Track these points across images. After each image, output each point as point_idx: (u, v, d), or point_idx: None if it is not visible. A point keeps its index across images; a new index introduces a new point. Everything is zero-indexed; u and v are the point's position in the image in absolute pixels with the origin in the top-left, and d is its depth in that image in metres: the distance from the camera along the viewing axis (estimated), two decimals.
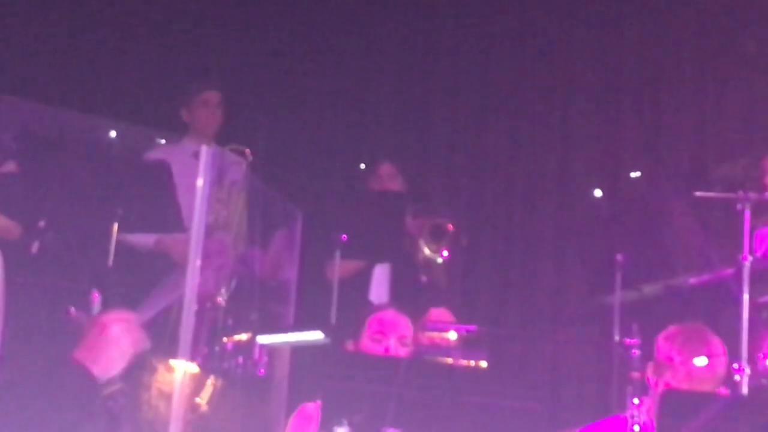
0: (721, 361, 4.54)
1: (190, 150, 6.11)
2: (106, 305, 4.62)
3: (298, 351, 5.40)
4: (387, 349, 4.81)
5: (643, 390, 4.33)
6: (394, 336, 4.85)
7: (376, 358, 4.59)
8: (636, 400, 4.18)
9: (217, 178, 5.47)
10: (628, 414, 4.18)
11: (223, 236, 5.52)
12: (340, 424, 3.88)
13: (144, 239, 5.86)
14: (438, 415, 4.00)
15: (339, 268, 5.93)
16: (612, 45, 7.40)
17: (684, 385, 4.48)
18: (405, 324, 4.96)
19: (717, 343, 4.57)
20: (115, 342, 2.83)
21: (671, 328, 4.60)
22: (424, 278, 6.20)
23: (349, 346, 4.90)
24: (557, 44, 7.48)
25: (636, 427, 4.12)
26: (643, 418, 4.16)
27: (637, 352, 4.39)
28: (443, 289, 6.29)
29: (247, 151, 5.81)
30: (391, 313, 4.95)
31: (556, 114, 7.42)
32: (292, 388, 5.34)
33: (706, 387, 4.46)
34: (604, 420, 4.69)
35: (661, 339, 4.61)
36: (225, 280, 5.30)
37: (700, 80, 7.17)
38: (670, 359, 4.53)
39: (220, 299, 5.14)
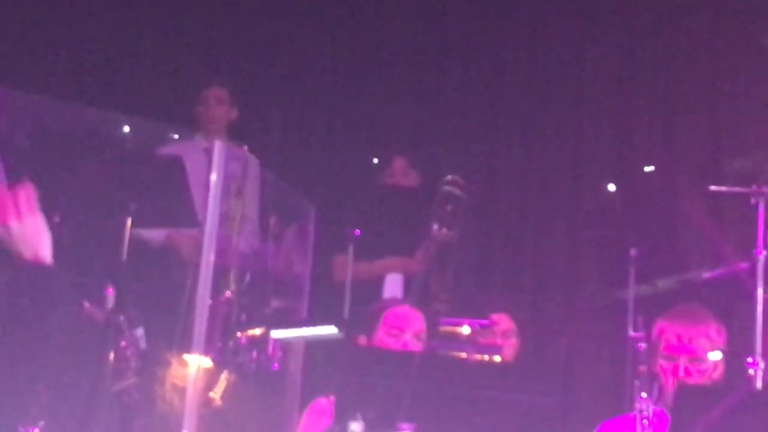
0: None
1: (202, 146, 6.14)
2: (120, 300, 4.64)
3: (312, 346, 5.40)
4: (405, 345, 4.82)
5: (651, 383, 4.33)
6: (410, 331, 4.86)
7: (390, 353, 4.60)
8: (644, 394, 4.17)
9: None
10: (636, 409, 4.18)
11: (223, 232, 5.52)
12: (354, 418, 3.88)
13: (154, 235, 5.87)
14: (452, 410, 4.00)
15: (355, 270, 5.96)
16: (626, 38, 7.38)
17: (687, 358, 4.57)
18: (419, 319, 4.97)
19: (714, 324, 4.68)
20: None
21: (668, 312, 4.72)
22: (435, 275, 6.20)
23: (362, 340, 4.90)
24: (571, 38, 7.46)
25: (645, 422, 4.12)
26: (652, 410, 4.16)
27: (643, 345, 4.39)
28: (454, 284, 6.29)
29: (245, 147, 5.82)
30: (406, 309, 4.96)
31: (570, 108, 7.40)
32: (306, 382, 5.35)
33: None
34: (614, 419, 4.69)
35: (659, 321, 4.70)
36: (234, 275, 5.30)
37: (714, 74, 7.15)
38: (678, 337, 4.60)
39: (229, 294, 5.14)
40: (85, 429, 4.06)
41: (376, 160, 6.89)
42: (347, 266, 6.03)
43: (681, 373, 4.63)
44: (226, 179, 5.37)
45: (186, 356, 4.60)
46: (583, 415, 6.18)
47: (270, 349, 5.06)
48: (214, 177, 4.61)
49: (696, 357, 4.67)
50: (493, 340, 5.33)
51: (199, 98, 6.67)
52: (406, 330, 4.87)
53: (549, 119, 7.44)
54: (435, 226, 6.00)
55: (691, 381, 4.62)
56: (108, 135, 5.00)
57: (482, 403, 4.02)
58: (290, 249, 5.96)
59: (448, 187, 6.09)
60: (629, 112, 7.28)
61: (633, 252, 5.74)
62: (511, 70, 7.59)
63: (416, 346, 4.81)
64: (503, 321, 5.63)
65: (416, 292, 5.71)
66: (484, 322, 5.33)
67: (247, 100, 6.87)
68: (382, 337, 4.86)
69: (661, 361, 4.68)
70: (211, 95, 6.67)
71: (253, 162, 6.20)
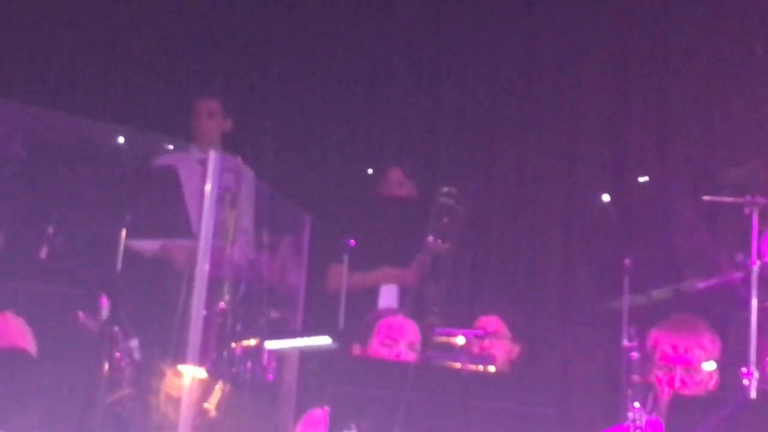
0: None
1: (197, 156, 6.15)
2: (114, 310, 4.64)
3: (307, 356, 5.40)
4: (398, 355, 4.82)
5: (645, 392, 4.34)
6: (404, 341, 4.86)
7: (384, 363, 4.61)
8: (637, 404, 4.19)
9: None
10: (629, 419, 4.19)
11: (218, 242, 5.53)
12: (348, 428, 3.88)
13: (148, 245, 5.87)
14: (446, 420, 4.01)
15: (350, 280, 5.96)
16: (620, 48, 7.39)
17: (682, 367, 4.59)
18: (413, 329, 4.97)
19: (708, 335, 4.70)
20: None
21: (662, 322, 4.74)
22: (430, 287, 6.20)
23: (356, 350, 4.90)
24: (565, 47, 7.47)
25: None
26: (646, 419, 4.17)
27: (636, 355, 4.41)
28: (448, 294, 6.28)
29: (239, 158, 5.83)
30: (400, 319, 4.97)
31: (564, 118, 7.41)
32: (301, 393, 5.34)
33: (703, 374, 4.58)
34: (607, 430, 4.70)
35: (654, 331, 4.72)
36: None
37: (707, 83, 7.16)
38: (674, 347, 4.62)
39: (224, 304, 5.14)
40: None
41: (371, 171, 6.89)
42: (342, 276, 6.03)
43: (677, 383, 4.64)
44: (221, 190, 5.38)
45: (180, 367, 4.60)
46: (578, 424, 6.19)
47: (265, 360, 5.05)
48: (208, 187, 4.62)
49: (691, 367, 4.68)
50: (482, 344, 5.33)
51: (192, 110, 6.69)
52: (401, 340, 4.87)
53: (544, 130, 7.45)
54: (430, 238, 6.00)
55: (686, 391, 4.64)
56: (103, 145, 5.00)
57: (477, 413, 4.03)
58: (285, 259, 5.96)
59: (444, 199, 6.09)
60: (623, 122, 7.29)
61: (627, 262, 5.74)
62: (507, 81, 7.59)
63: (410, 356, 4.81)
64: (492, 323, 5.64)
65: (411, 302, 5.72)
66: (479, 332, 5.33)
67: (242, 110, 6.88)
68: (376, 347, 4.87)
69: (657, 372, 4.69)
70: (202, 108, 6.69)
71: (248, 172, 6.20)
